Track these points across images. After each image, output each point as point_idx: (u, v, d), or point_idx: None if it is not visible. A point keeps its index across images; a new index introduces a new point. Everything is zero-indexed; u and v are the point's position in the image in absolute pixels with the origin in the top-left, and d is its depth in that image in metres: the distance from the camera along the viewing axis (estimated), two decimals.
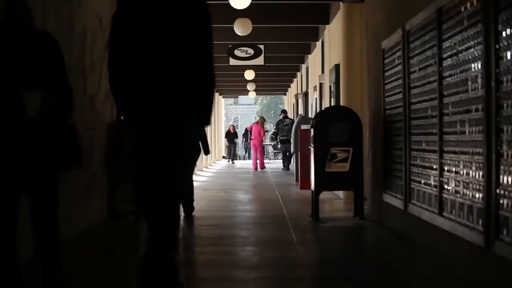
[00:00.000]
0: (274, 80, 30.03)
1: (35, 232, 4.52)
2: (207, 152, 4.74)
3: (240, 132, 41.04)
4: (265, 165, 25.96)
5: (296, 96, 26.81)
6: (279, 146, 25.77)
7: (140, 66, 4.21)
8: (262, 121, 27.47)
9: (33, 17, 4.64)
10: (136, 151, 4.36)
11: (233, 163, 31.78)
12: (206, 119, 4.29)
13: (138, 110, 4.24)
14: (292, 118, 25.00)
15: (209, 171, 24.70)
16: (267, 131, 31.20)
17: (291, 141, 18.17)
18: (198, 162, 5.39)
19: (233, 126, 35.07)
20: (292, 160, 21.52)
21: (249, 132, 31.65)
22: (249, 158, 35.24)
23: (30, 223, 4.52)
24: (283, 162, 24.21)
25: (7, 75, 4.31)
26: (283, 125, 23.05)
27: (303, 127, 15.16)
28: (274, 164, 28.64)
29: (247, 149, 37.08)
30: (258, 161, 25.22)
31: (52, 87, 4.44)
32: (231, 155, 33.02)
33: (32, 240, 4.53)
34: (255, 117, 52.38)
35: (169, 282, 4.25)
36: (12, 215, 4.40)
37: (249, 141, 31.91)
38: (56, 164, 4.53)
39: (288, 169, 23.21)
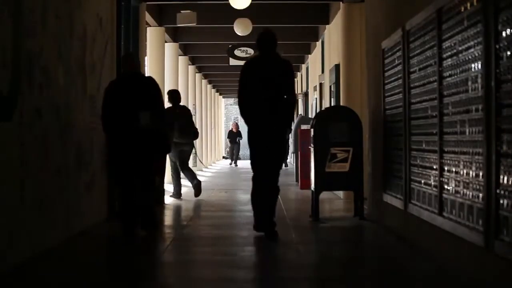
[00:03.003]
0: None
1: (141, 187, 7.84)
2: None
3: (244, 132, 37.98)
4: None
5: (296, 96, 26.81)
6: None
7: (258, 99, 7.66)
8: None
9: (140, 67, 8.23)
10: (258, 147, 7.76)
11: (236, 165, 29.43)
12: (289, 125, 7.92)
13: (257, 123, 7.72)
14: None
15: (209, 171, 24.69)
16: None
17: (290, 141, 18.16)
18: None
19: (236, 124, 32.18)
20: (292, 160, 21.55)
21: None
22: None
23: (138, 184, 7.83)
24: None
25: (130, 103, 7.69)
26: None
27: (303, 127, 15.15)
28: None
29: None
30: None
31: (154, 110, 7.77)
32: (234, 157, 30.22)
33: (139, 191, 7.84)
34: None
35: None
36: (132, 178, 7.78)
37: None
38: (156, 152, 7.97)
39: (286, 166, 23.33)
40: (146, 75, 10.60)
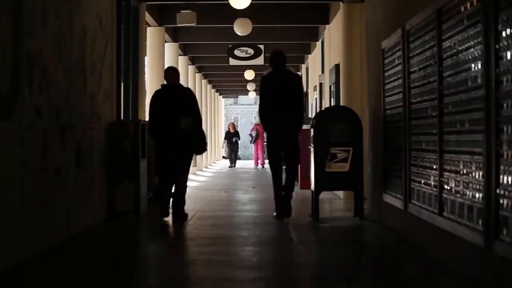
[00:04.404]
0: None
1: (178, 178, 9.40)
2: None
3: (244, 132, 36.18)
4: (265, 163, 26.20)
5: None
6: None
7: (274, 105, 9.45)
8: None
9: (179, 79, 9.72)
10: (273, 141, 9.66)
11: (234, 166, 28.17)
12: (300, 127, 9.74)
13: (273, 125, 9.52)
14: None
15: (209, 171, 24.69)
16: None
17: None
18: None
19: (233, 124, 30.77)
20: None
21: (253, 134, 29.91)
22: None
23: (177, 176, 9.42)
24: None
25: (173, 109, 9.28)
26: None
27: (303, 127, 15.14)
28: None
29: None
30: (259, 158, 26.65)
31: (192, 115, 9.32)
32: (232, 157, 28.84)
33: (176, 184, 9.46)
34: (255, 117, 52.13)
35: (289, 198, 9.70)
36: (171, 171, 9.37)
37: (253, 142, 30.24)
38: (194, 150, 9.59)
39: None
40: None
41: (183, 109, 9.32)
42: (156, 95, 9.62)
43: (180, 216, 9.37)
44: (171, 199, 9.44)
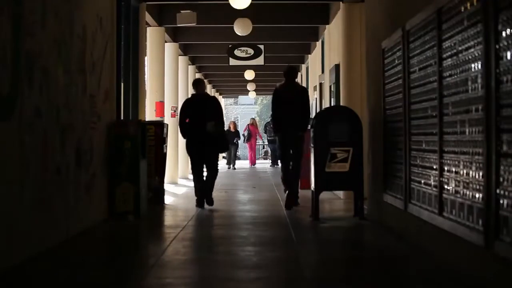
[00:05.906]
0: (274, 80, 30.00)
1: (208, 173, 11.17)
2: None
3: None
4: (265, 164, 26.52)
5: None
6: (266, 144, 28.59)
7: (284, 112, 10.95)
8: (256, 123, 29.48)
9: (206, 88, 12.15)
10: (283, 141, 11.07)
11: (234, 168, 26.49)
12: (305, 129, 11.09)
13: (283, 128, 11.00)
14: None
15: None
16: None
17: None
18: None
19: (234, 123, 29.47)
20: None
21: (245, 134, 29.87)
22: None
23: (207, 170, 11.22)
24: (271, 160, 28.36)
25: (201, 115, 10.92)
26: (270, 127, 23.96)
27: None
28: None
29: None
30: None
31: (217, 120, 11.00)
32: (232, 159, 27.40)
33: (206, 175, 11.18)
34: (251, 118, 52.00)
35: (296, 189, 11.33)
36: (201, 167, 11.22)
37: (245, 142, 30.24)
38: (217, 149, 11.28)
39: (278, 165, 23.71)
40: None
41: (209, 114, 10.96)
42: (186, 103, 11.40)
43: (209, 200, 11.11)
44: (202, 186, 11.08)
